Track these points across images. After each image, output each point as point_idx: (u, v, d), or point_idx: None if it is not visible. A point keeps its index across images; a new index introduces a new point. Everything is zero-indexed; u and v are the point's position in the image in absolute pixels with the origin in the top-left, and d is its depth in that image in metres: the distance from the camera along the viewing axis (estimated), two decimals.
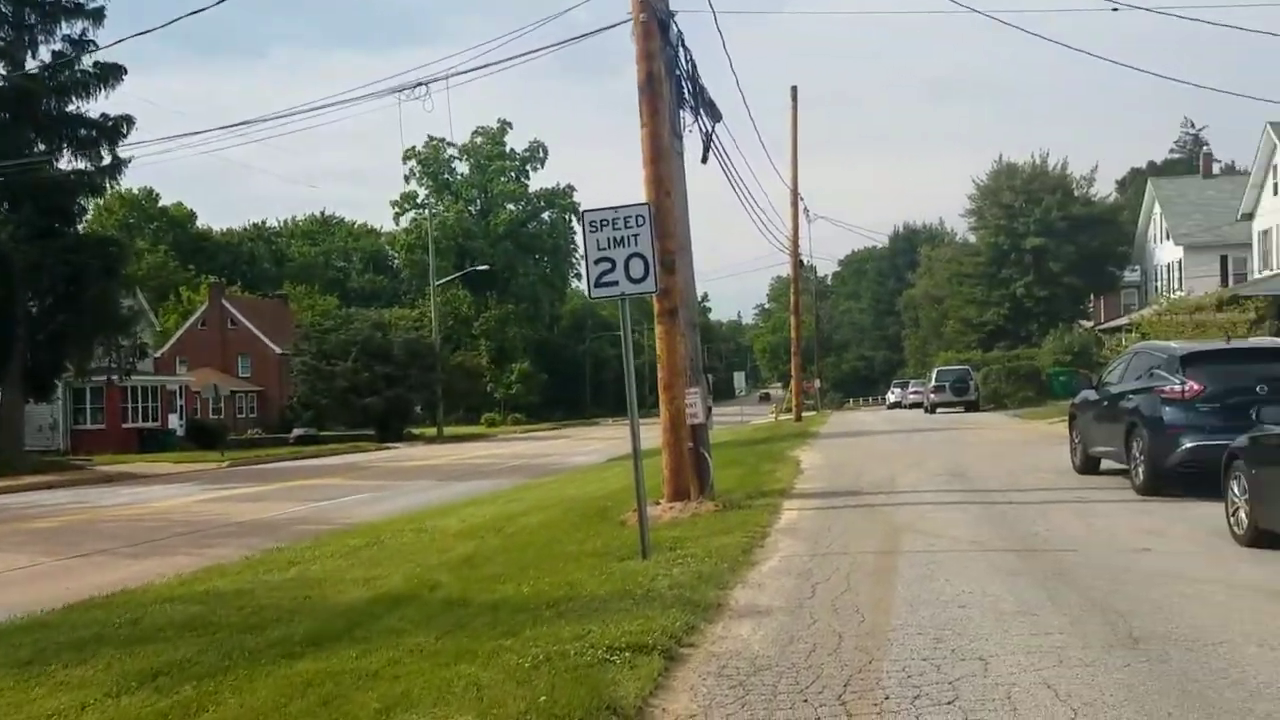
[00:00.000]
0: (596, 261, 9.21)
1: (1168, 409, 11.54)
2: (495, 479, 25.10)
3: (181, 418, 49.68)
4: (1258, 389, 11.06)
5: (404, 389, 53.76)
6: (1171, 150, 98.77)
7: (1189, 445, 11.20)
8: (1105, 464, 14.10)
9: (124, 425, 45.05)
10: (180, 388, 50.79)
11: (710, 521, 11.02)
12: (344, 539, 12.31)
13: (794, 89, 39.64)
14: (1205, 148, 72.56)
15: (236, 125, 65.44)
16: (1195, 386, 11.35)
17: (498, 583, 8.19)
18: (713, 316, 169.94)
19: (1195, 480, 11.47)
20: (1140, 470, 11.90)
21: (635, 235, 9.12)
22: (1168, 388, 11.61)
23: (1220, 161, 68.53)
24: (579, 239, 12.30)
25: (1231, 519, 8.68)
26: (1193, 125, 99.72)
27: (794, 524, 10.91)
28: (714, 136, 15.02)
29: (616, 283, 9.17)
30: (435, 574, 8.93)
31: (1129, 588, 6.99)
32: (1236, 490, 8.58)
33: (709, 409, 13.75)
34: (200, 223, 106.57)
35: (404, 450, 44.65)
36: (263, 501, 21.49)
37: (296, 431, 55.84)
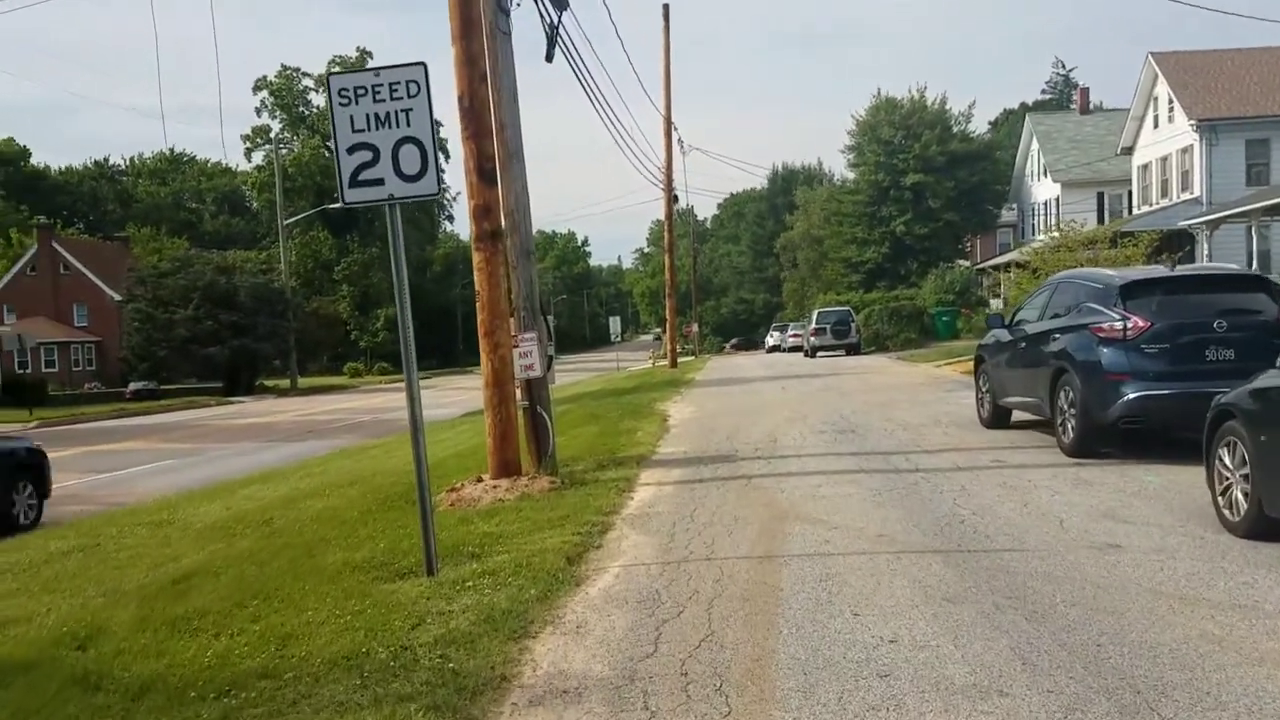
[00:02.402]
0: (351, 150, 6.34)
1: (1106, 351, 9.37)
2: (329, 439, 22.01)
3: None
4: (1215, 325, 8.97)
5: (251, 338, 49.33)
6: (1043, 91, 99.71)
7: (1133, 395, 9.06)
8: (1017, 415, 12.05)
9: None
10: None
11: (541, 507, 8.40)
12: (50, 539, 9.24)
13: (666, 7, 36.67)
14: (1079, 85, 72.29)
15: None
16: (1140, 323, 9.19)
17: (189, 631, 5.41)
18: (592, 261, 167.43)
19: (1135, 439, 9.46)
20: (1070, 426, 9.75)
21: (407, 111, 6.28)
22: (1105, 324, 9.43)
23: (1090, 102, 68.45)
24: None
25: (1220, 499, 6.47)
26: (1063, 65, 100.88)
27: (648, 508, 8.37)
28: (560, 29, 12.20)
29: (381, 181, 6.33)
30: (114, 610, 6.06)
31: (1124, 623, 4.65)
32: (1229, 461, 6.36)
33: (550, 359, 11.05)
34: (35, 160, 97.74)
35: (247, 405, 40.72)
36: None
37: (133, 386, 51.04)
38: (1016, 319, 11.89)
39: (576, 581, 6.04)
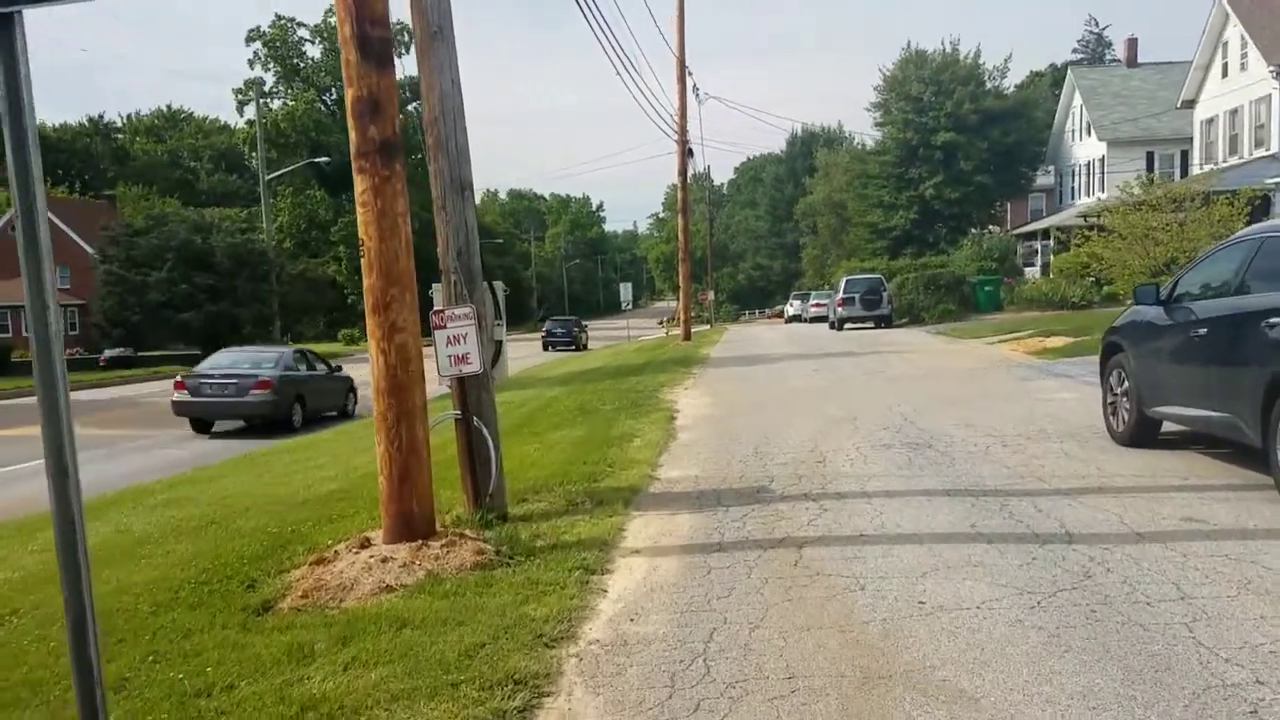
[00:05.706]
0: None
1: None
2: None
3: None
4: None
5: (230, 302, 45.75)
6: (1074, 50, 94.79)
7: None
8: (1168, 426, 8.45)
9: None
10: None
11: (443, 616, 4.84)
12: None
13: None
14: (1125, 36, 67.57)
15: None
16: None
17: None
18: (607, 227, 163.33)
19: None
20: None
21: None
22: None
23: (1119, 60, 63.53)
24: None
25: None
26: (1096, 23, 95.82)
27: (627, 622, 4.77)
28: None
29: None
30: None
31: None
32: None
33: (498, 346, 7.48)
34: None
35: None
36: None
37: (107, 353, 47.62)
38: (1179, 293, 8.20)
39: None
